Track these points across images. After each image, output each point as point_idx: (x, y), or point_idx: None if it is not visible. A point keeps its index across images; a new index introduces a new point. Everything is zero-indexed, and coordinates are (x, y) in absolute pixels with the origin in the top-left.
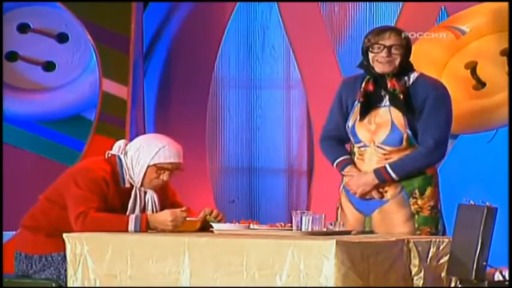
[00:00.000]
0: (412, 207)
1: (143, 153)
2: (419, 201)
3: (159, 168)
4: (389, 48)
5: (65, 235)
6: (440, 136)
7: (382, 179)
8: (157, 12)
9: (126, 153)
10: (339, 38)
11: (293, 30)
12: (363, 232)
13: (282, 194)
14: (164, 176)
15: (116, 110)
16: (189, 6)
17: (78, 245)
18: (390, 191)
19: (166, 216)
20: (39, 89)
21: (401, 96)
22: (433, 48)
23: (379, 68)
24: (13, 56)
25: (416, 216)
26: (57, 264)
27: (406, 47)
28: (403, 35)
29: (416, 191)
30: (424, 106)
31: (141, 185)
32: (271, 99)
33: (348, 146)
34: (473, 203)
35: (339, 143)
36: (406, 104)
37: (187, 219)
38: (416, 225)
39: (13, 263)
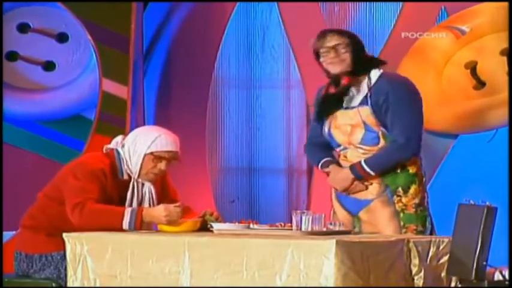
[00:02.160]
0: (397, 205)
1: (140, 143)
2: (404, 199)
3: (156, 157)
4: (334, 48)
5: (64, 235)
6: (408, 133)
7: (358, 174)
8: (157, 12)
9: (123, 146)
10: None
11: (293, 30)
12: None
13: (282, 193)
14: (161, 166)
15: (116, 109)
16: (189, 6)
17: (78, 245)
18: (375, 190)
19: (160, 212)
20: (39, 88)
21: (356, 93)
22: (433, 48)
23: (332, 69)
24: (13, 56)
25: (401, 214)
26: (57, 263)
27: (354, 45)
28: (347, 35)
29: (400, 189)
30: (387, 104)
31: (139, 175)
32: (271, 99)
33: (335, 152)
34: (473, 203)
35: (322, 147)
36: (371, 103)
37: (188, 220)
38: (402, 223)
39: (13, 263)
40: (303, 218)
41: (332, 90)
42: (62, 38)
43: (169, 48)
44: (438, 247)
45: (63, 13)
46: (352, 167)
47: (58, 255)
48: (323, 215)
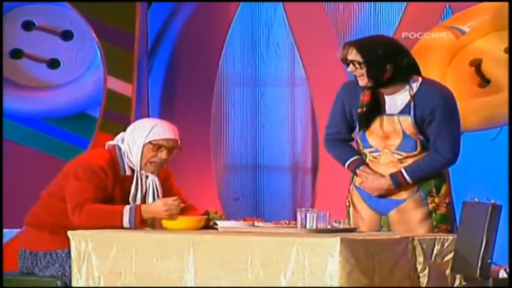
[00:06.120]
0: (430, 206)
1: (138, 134)
2: (436, 199)
3: (155, 146)
4: (352, 62)
5: (69, 233)
6: (456, 146)
7: (398, 183)
8: (162, 10)
9: (123, 141)
10: (343, 36)
11: (298, 28)
12: (380, 231)
13: (287, 191)
14: (162, 155)
15: (121, 107)
16: (193, 5)
17: (82, 243)
18: (408, 190)
19: (159, 207)
20: (44, 86)
21: (395, 100)
22: (437, 46)
23: (359, 81)
24: (18, 54)
25: (433, 214)
26: (61, 261)
27: (373, 62)
28: (365, 51)
29: (433, 190)
30: (434, 115)
31: (141, 167)
32: (275, 97)
33: (354, 145)
34: (477, 201)
35: (345, 143)
36: (415, 113)
37: (193, 217)
38: (434, 223)
39: (17, 261)
40: (308, 215)
41: (366, 98)
42: (66, 35)
43: (174, 47)
44: (443, 245)
45: (67, 11)
46: (393, 175)
47: (63, 253)
48: (328, 213)
